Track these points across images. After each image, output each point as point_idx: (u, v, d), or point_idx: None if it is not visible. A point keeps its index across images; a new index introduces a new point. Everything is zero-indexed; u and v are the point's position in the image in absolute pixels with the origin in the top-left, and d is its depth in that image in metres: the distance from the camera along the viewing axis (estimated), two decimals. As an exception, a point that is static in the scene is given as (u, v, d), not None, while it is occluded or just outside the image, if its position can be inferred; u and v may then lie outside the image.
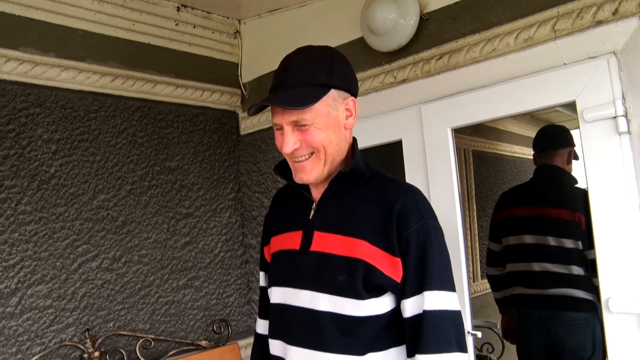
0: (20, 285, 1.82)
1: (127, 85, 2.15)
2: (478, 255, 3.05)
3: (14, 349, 1.78)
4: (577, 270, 2.32)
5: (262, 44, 2.48)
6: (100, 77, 2.06)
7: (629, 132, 1.44)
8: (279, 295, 1.26)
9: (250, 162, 2.55)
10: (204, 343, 2.26)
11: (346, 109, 1.19)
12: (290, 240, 1.25)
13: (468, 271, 1.82)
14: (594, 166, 1.50)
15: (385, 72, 1.98)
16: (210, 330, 2.34)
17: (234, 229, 2.52)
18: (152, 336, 2.12)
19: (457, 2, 1.78)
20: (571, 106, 1.56)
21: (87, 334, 1.93)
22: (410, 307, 1.11)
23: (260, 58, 2.48)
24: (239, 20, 2.54)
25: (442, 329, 1.08)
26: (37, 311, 1.85)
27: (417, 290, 1.10)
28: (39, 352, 1.83)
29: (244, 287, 2.53)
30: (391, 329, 1.14)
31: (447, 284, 1.12)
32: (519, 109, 1.66)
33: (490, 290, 2.76)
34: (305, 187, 1.26)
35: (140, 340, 2.08)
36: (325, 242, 1.17)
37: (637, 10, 1.42)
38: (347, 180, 1.20)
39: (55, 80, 1.95)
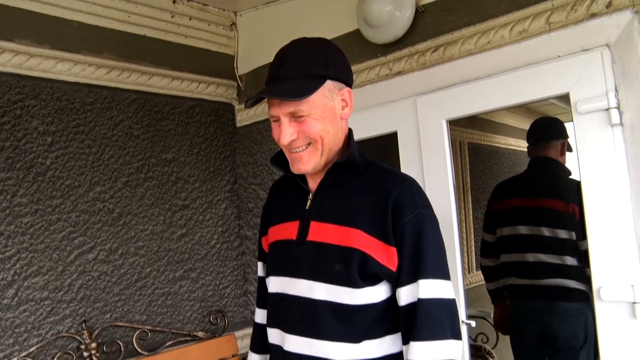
0: (16, 277, 1.82)
1: (123, 77, 2.14)
2: (473, 247, 3.07)
3: (11, 340, 1.79)
4: (570, 260, 2.34)
5: (258, 36, 2.47)
6: (96, 69, 2.06)
7: (621, 124, 1.46)
8: (276, 284, 1.28)
9: (246, 154, 2.55)
10: (200, 334, 2.28)
11: (342, 100, 1.20)
12: (287, 231, 1.26)
13: (463, 262, 1.84)
14: (587, 158, 1.52)
15: (380, 64, 1.99)
16: (207, 321, 2.35)
17: (230, 221, 2.53)
18: (148, 327, 2.13)
19: (452, -5, 1.79)
20: (565, 98, 1.58)
21: (84, 325, 1.94)
22: (405, 295, 1.12)
23: (256, 50, 2.48)
24: (235, 13, 2.53)
25: (436, 316, 1.09)
26: (33, 303, 1.85)
27: (412, 278, 1.11)
28: (36, 344, 1.84)
29: (240, 278, 2.54)
30: (387, 317, 1.16)
31: (442, 273, 1.13)
32: (513, 100, 1.68)
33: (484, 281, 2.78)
34: (302, 178, 1.27)
35: (137, 332, 2.09)
36: (322, 232, 1.19)
37: (630, 2, 1.43)
38: (343, 171, 1.21)
39: (51, 72, 1.95)
